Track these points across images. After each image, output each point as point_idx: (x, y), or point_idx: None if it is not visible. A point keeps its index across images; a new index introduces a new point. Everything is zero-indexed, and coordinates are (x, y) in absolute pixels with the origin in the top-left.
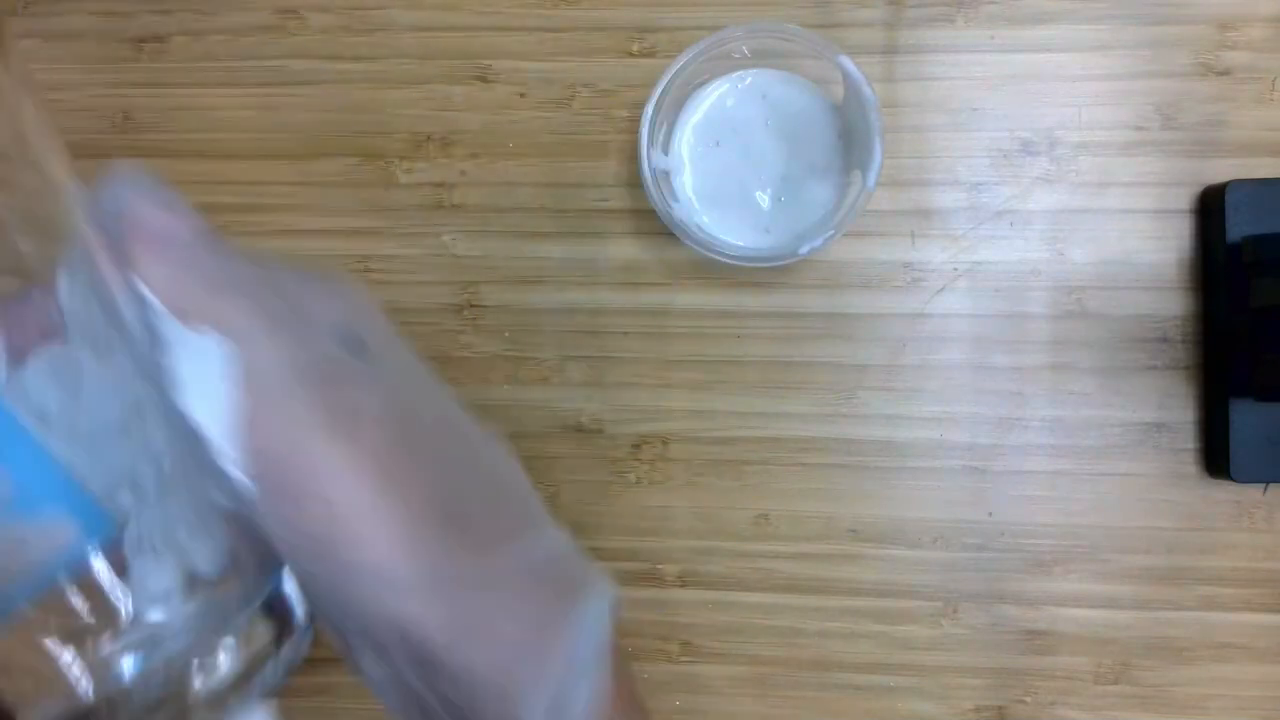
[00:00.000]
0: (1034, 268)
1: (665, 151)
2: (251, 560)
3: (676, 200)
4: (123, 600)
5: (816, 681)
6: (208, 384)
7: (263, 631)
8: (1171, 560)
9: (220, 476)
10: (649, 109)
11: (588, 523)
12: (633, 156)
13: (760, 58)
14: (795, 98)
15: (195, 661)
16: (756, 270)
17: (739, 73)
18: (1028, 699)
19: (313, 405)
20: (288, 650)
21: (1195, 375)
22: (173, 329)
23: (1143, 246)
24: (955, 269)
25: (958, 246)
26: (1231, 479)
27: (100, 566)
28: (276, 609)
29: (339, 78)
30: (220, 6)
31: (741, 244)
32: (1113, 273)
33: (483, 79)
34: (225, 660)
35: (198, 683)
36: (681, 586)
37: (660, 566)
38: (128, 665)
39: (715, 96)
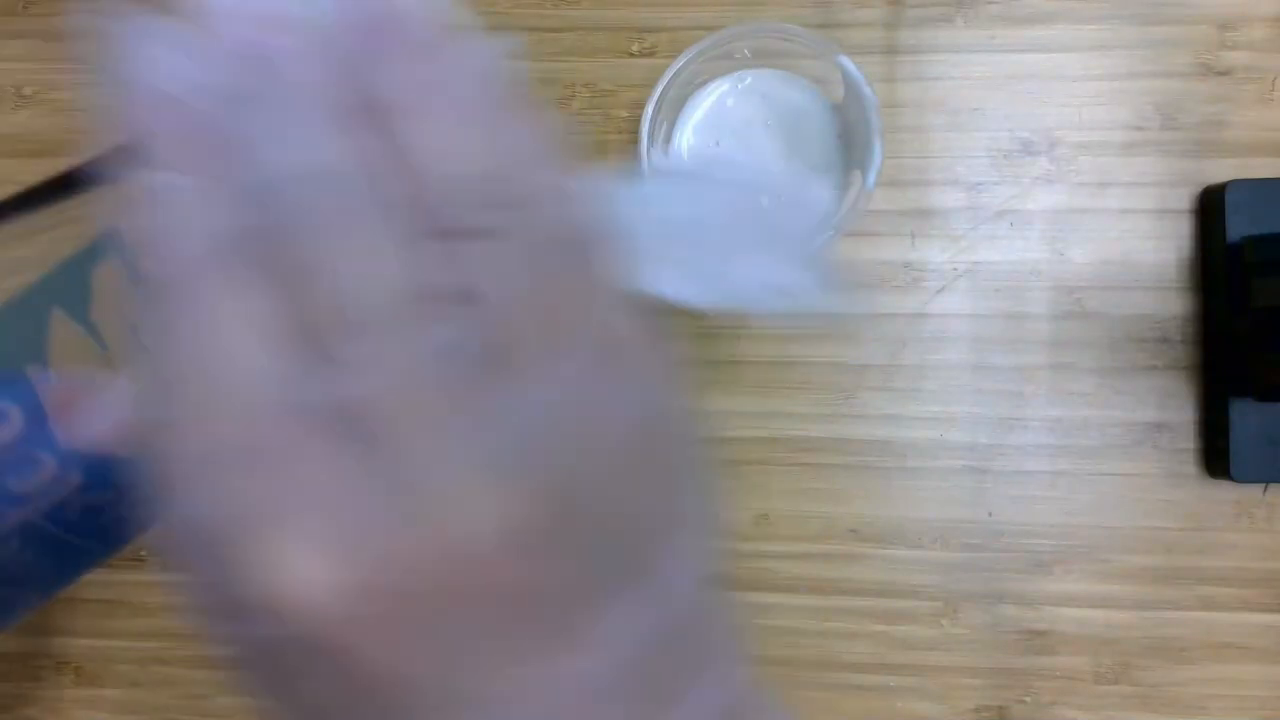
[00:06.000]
0: (1034, 268)
1: (665, 151)
2: None
3: None
4: None
5: (816, 681)
6: None
7: None
8: (1171, 560)
9: None
10: (649, 109)
11: None
12: (633, 156)
13: (760, 58)
14: (795, 98)
15: None
16: None
17: (739, 73)
18: (1028, 699)
19: None
20: None
21: (1195, 375)
22: None
23: (1142, 246)
24: (955, 269)
25: (958, 246)
26: (1231, 479)
27: None
28: None
29: None
30: None
31: None
32: (1113, 273)
33: None
34: None
35: None
36: None
37: None
38: None
39: (715, 96)
